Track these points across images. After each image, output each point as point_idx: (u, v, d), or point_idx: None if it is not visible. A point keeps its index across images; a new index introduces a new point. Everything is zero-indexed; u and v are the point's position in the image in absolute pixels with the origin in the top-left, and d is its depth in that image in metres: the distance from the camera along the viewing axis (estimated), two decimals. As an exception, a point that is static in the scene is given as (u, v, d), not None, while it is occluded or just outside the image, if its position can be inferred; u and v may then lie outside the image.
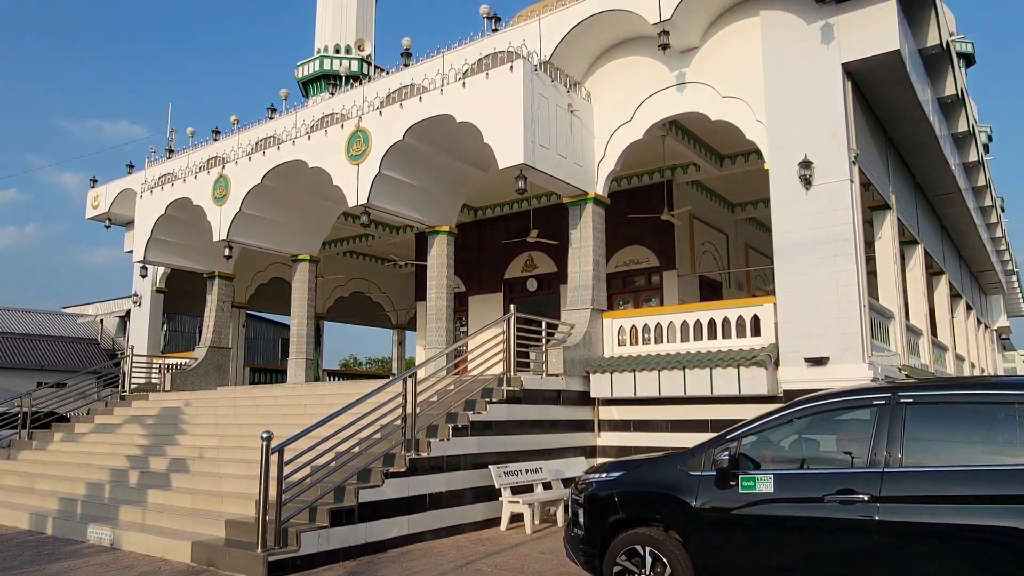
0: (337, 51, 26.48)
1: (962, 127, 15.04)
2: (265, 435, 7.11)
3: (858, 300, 9.79)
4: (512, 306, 11.44)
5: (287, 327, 32.55)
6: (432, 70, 13.84)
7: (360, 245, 24.51)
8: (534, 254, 20.07)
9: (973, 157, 16.86)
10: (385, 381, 9.46)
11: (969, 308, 23.74)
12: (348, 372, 37.90)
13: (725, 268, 20.33)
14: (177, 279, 21.26)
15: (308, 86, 26.80)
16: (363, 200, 12.84)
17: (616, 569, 5.46)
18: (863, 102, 11.48)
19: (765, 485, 4.91)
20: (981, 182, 18.70)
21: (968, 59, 34.58)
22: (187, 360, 18.51)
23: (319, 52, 26.65)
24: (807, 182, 10.28)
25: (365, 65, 26.13)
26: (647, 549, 5.33)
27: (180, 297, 22.84)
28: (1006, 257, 28.01)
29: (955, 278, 20.81)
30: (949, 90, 13.22)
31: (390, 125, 12.66)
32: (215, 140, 18.72)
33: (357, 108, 14.66)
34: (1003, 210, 44.97)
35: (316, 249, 17.48)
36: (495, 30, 13.32)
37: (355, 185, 12.98)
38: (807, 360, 9.88)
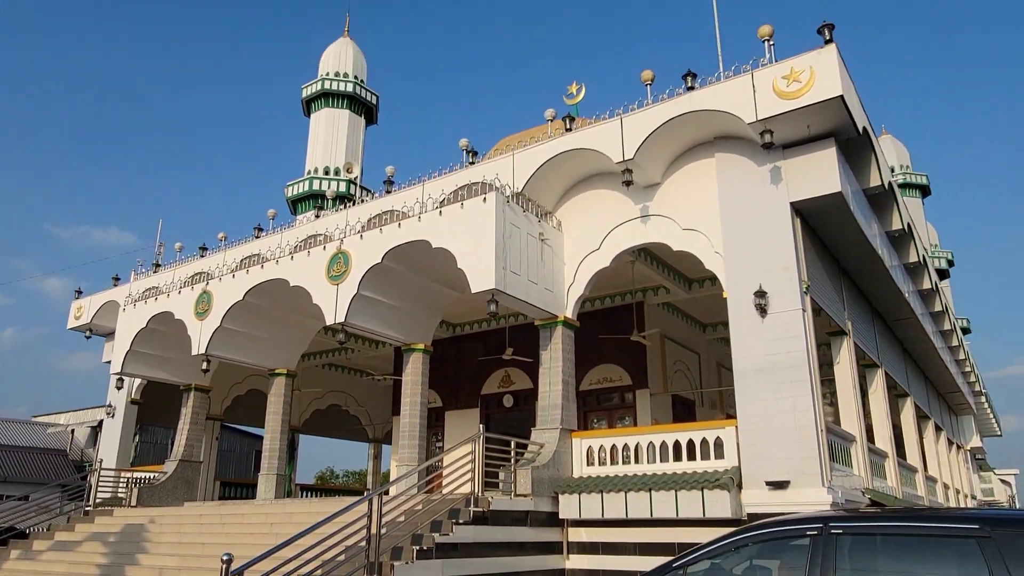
0: (327, 172, 27.78)
1: (912, 258, 15.97)
2: (225, 557, 7.16)
3: (815, 424, 10.16)
4: (481, 426, 11.68)
5: (262, 439, 32.16)
6: (412, 197, 14.66)
7: (339, 358, 24.68)
8: (511, 370, 20.37)
9: (927, 285, 17.75)
10: (353, 500, 9.53)
11: (939, 429, 24.06)
12: (321, 487, 37.04)
13: (698, 387, 20.70)
14: (153, 390, 21.25)
15: (297, 204, 27.90)
16: (341, 319, 13.28)
17: None
18: (814, 235, 12.29)
19: (710, 619, 5.08)
20: (938, 307, 19.57)
21: (924, 190, 36.78)
22: (156, 474, 18.26)
23: (309, 173, 27.93)
24: (762, 311, 10.88)
25: (352, 186, 27.37)
26: None
27: (155, 409, 22.73)
28: (972, 379, 28.67)
29: (921, 400, 21.27)
30: (895, 225, 14.15)
31: (370, 248, 13.30)
32: (202, 256, 19.31)
33: (340, 231, 15.34)
34: (967, 332, 46.32)
35: (294, 363, 17.73)
36: (472, 163, 14.27)
37: (334, 304, 13.45)
38: (768, 484, 10.11)
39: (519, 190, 13.15)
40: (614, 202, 13.08)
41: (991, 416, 37.09)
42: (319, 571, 8.43)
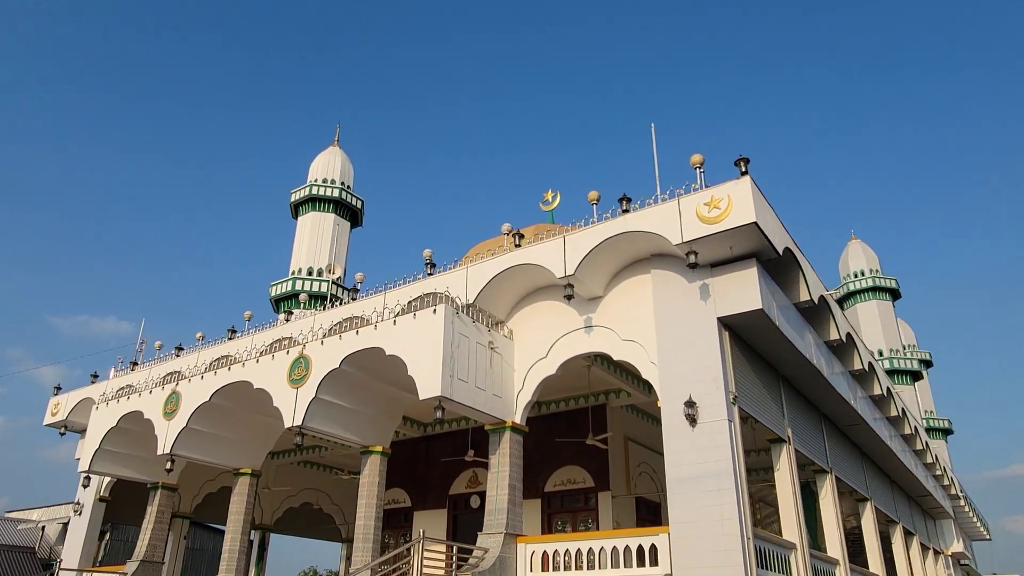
0: (310, 273, 28.81)
1: (857, 365, 16.63)
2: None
3: (740, 532, 10.53)
4: (422, 530, 12.00)
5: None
6: (377, 304, 15.46)
7: (313, 455, 24.87)
8: (478, 471, 20.62)
9: (878, 391, 18.33)
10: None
11: (909, 534, 24.02)
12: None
13: (663, 489, 20.87)
14: (122, 488, 21.39)
15: (280, 303, 28.76)
16: (299, 422, 13.78)
17: None
18: (747, 347, 13.00)
19: None
20: (893, 412, 20.06)
21: (894, 293, 37.87)
22: (117, 575, 18.21)
23: (293, 273, 28.96)
24: (692, 420, 11.45)
25: (334, 287, 28.32)
26: None
27: (125, 506, 22.74)
28: (946, 482, 28.75)
29: (886, 504, 21.41)
30: (833, 335, 14.91)
31: (329, 353, 13.95)
32: (177, 355, 19.93)
33: (311, 334, 16.05)
34: (949, 432, 46.37)
35: (259, 463, 18.03)
36: (430, 274, 15.15)
37: (293, 407, 13.98)
38: (695, 592, 10.39)
39: (471, 301, 13.95)
40: (561, 313, 13.86)
41: (975, 520, 36.77)
42: None
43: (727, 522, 10.63)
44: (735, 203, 11.28)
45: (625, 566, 11.73)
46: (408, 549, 11.47)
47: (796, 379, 14.71)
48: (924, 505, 27.45)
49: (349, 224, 30.64)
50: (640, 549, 11.68)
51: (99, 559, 28.72)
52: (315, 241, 29.22)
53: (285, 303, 28.57)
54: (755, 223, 11.07)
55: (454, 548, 12.20)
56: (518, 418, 13.81)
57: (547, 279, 13.59)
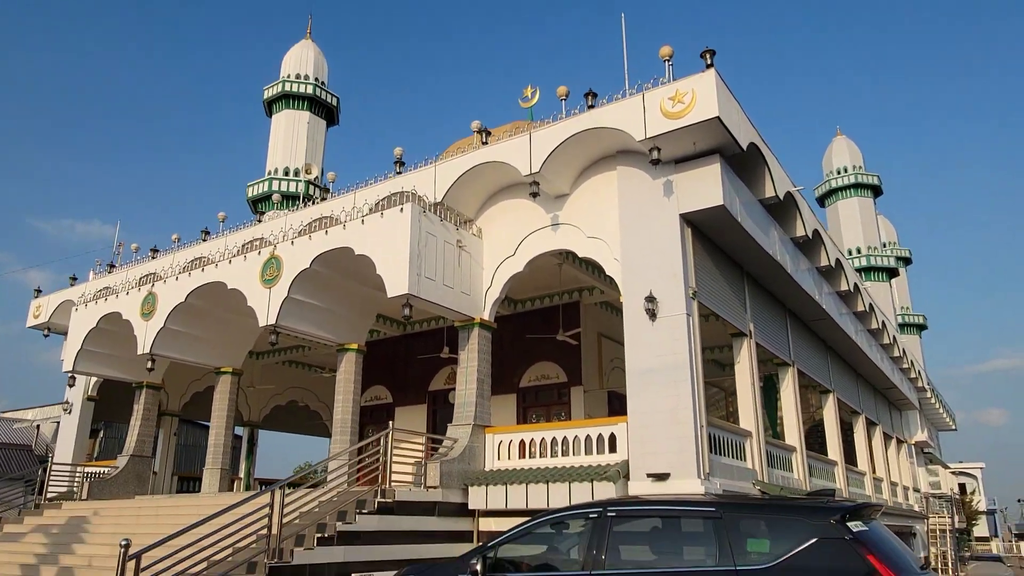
0: (286, 173, 28.39)
1: (824, 262, 16.87)
2: (123, 543, 7.93)
3: (693, 421, 11.01)
4: (391, 422, 12.46)
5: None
6: (348, 204, 15.41)
7: (297, 355, 25.34)
8: (455, 367, 21.14)
9: (845, 287, 18.67)
10: (260, 492, 10.31)
11: (872, 424, 25.07)
12: (275, 480, 37.75)
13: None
14: (110, 388, 21.87)
15: (257, 204, 28.51)
16: (272, 321, 14.02)
17: (401, 665, 6.32)
18: (710, 244, 13.13)
19: (510, 587, 5.91)
20: (861, 307, 20.50)
21: (876, 190, 37.85)
22: (108, 469, 18.94)
23: (269, 173, 28.55)
24: (653, 315, 11.71)
25: (311, 187, 28.02)
26: (424, 646, 6.22)
27: (114, 405, 23.33)
28: (913, 375, 29.73)
29: (849, 396, 22.22)
30: (799, 232, 15.03)
31: (300, 253, 14.03)
32: (153, 258, 19.97)
33: (282, 234, 16.06)
34: (923, 328, 47.45)
35: (239, 362, 18.41)
36: (399, 172, 15.02)
37: (266, 307, 14.19)
38: (649, 476, 10.96)
39: (440, 199, 13.92)
40: (528, 211, 13.88)
41: (941, 411, 38.28)
42: (229, 554, 9.25)
43: (682, 411, 11.08)
44: (699, 97, 11.12)
45: (586, 453, 12.30)
46: (379, 439, 11.96)
47: (760, 275, 14.94)
48: (890, 397, 28.47)
49: (325, 122, 29.97)
50: (600, 438, 12.23)
51: (94, 455, 29.79)
52: (290, 140, 28.67)
53: (263, 204, 28.36)
54: (718, 118, 10.96)
55: (424, 438, 12.70)
56: (486, 315, 14.08)
57: (514, 177, 13.52)
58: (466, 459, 12.93)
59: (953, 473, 70.70)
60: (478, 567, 6.07)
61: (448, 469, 12.43)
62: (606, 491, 11.11)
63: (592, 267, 17.16)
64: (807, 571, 4.80)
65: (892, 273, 37.26)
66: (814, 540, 4.90)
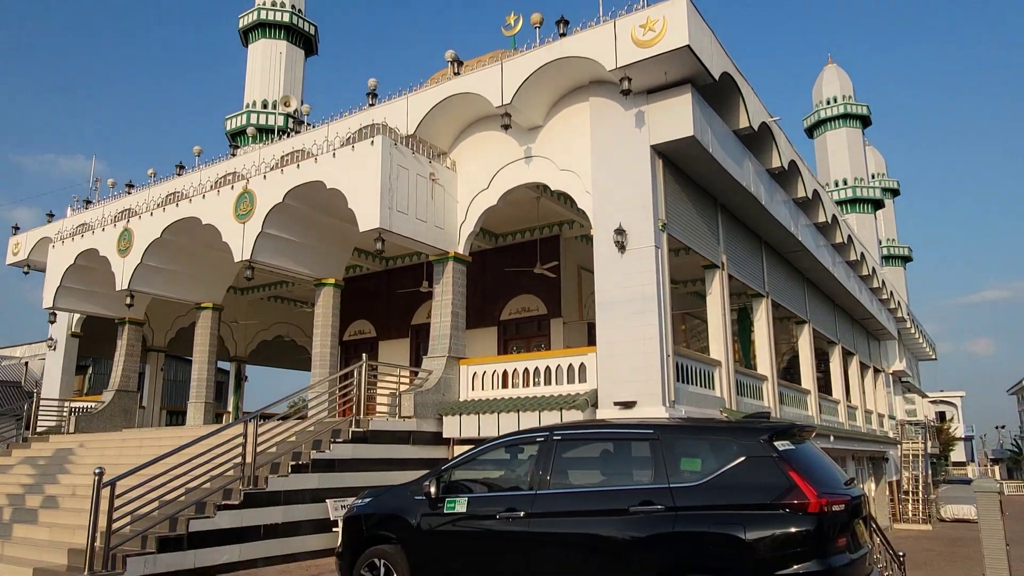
0: (264, 106, 27.86)
1: (801, 193, 16.87)
2: (97, 471, 8.16)
3: (660, 351, 11.22)
4: (364, 355, 12.66)
5: (220, 370, 33.17)
6: (320, 137, 15.20)
7: (282, 290, 25.43)
8: (438, 302, 21.32)
9: (822, 218, 18.72)
10: (234, 423, 10.55)
11: (849, 353, 25.54)
12: (270, 414, 38.47)
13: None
14: (93, 324, 22.00)
15: (236, 137, 28.08)
16: (247, 256, 14.04)
17: (360, 578, 6.63)
18: (683, 175, 13.09)
19: (461, 506, 6.16)
20: (839, 239, 20.61)
21: (864, 120, 37.48)
22: (94, 404, 19.24)
23: (247, 106, 28.00)
24: (622, 247, 11.78)
25: (291, 120, 27.54)
26: (382, 562, 6.51)
27: (99, 341, 23.49)
28: (892, 305, 30.11)
29: (826, 327, 22.56)
30: (775, 163, 14.98)
31: (273, 188, 13.95)
32: (129, 193, 19.79)
33: (255, 168, 15.91)
34: (908, 260, 47.77)
35: (220, 297, 18.50)
36: (372, 104, 14.79)
37: (241, 242, 14.18)
38: (616, 404, 11.24)
39: (412, 132, 13.77)
40: (502, 143, 13.75)
41: (921, 341, 38.93)
42: (205, 482, 9.56)
43: (648, 341, 11.27)
44: (669, 25, 10.90)
45: (556, 383, 12.57)
46: (353, 372, 12.17)
47: (734, 207, 14.95)
48: (868, 327, 28.88)
49: (303, 52, 29.24)
50: (570, 368, 12.47)
51: (84, 390, 30.17)
52: (267, 71, 28.01)
53: (242, 137, 27.94)
54: (688, 47, 10.77)
55: (398, 370, 12.94)
56: (461, 249, 14.12)
57: (487, 109, 13.34)
58: (441, 390, 13.19)
59: (933, 402, 72.47)
60: (432, 489, 6.31)
61: (422, 400, 12.70)
62: (574, 419, 11.39)
63: (569, 200, 17.14)
64: (734, 487, 5.03)
65: (878, 204, 37.25)
66: (742, 459, 5.11)
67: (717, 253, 14.27)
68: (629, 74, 11.40)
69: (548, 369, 12.73)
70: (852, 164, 36.67)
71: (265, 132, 26.56)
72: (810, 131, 38.68)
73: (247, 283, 23.62)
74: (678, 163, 12.74)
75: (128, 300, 16.87)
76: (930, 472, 43.39)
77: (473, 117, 14.11)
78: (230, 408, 27.29)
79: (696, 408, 12.15)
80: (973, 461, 77.71)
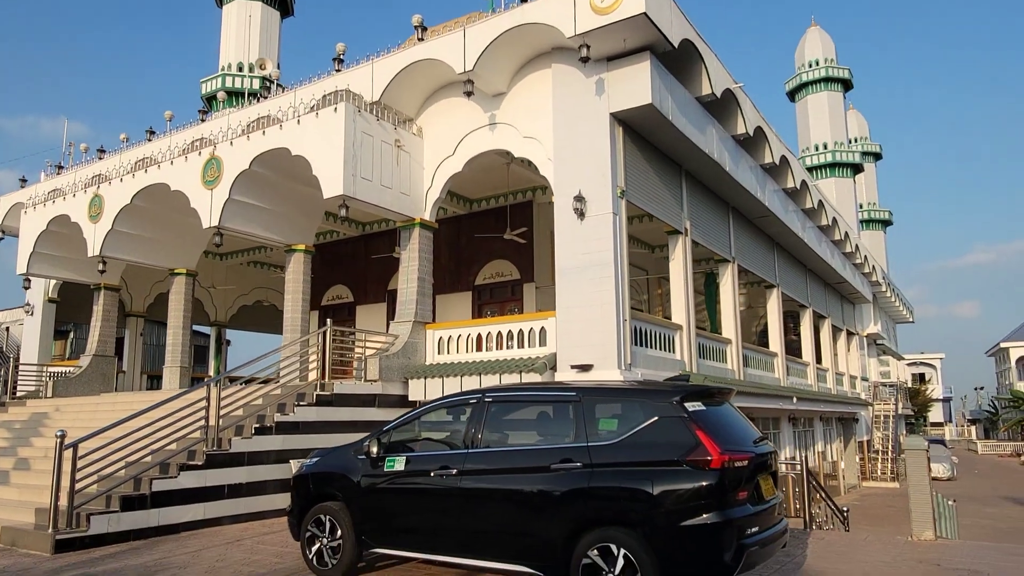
0: (240, 69, 27.60)
1: (768, 159, 17.05)
2: (59, 434, 8.42)
3: (616, 316, 11.50)
4: (328, 320, 12.89)
5: (201, 334, 33.34)
6: (287, 103, 15.22)
7: (260, 255, 25.51)
8: (414, 267, 21.51)
9: (791, 184, 18.92)
10: (198, 386, 10.80)
11: (821, 317, 25.98)
12: (252, 378, 38.81)
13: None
14: (73, 290, 22.09)
15: (212, 101, 27.85)
16: (215, 222, 14.14)
17: (307, 535, 6.96)
18: (645, 143, 13.22)
19: (399, 465, 6.46)
20: (809, 204, 20.85)
21: (846, 84, 37.46)
22: (72, 369, 19.46)
23: (223, 69, 27.74)
24: (581, 214, 11.98)
25: (267, 83, 27.30)
26: (327, 518, 6.83)
27: (76, 307, 23.58)
28: (867, 269, 30.52)
29: (797, 291, 22.92)
30: (740, 129, 15.13)
31: (239, 154, 14.00)
32: (100, 158, 19.74)
33: (222, 134, 15.92)
34: (888, 224, 48.09)
35: (193, 263, 18.61)
36: (338, 70, 14.78)
37: (209, 208, 14.27)
38: (573, 367, 11.55)
39: (377, 98, 13.80)
40: (467, 110, 13.82)
41: (898, 304, 39.50)
42: (171, 443, 9.86)
43: (605, 306, 11.55)
44: (627, -8, 10.94)
45: (519, 347, 12.86)
46: (318, 336, 12.43)
47: (699, 173, 15.13)
48: (842, 291, 29.31)
49: (279, 14, 28.88)
50: (531, 332, 12.76)
51: (66, 355, 30.35)
52: (242, 33, 27.66)
53: (217, 100, 27.75)
54: (644, 14, 10.84)
55: (363, 335, 13.20)
56: (427, 215, 14.27)
57: (451, 75, 13.36)
58: (407, 354, 13.47)
59: (912, 364, 73.60)
60: (373, 449, 6.61)
61: (388, 364, 12.98)
62: (532, 380, 11.70)
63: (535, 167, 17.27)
64: (645, 445, 5.33)
65: (857, 169, 37.42)
66: (655, 419, 5.40)
67: (680, 219, 14.49)
68: (588, 41, 11.46)
69: (511, 333, 13.02)
70: (832, 128, 36.74)
71: (240, 95, 26.40)
72: (792, 94, 38.64)
73: (225, 248, 23.72)
74: (639, 130, 12.87)
75: (100, 266, 16.98)
76: (904, 432, 44.39)
77: (438, 83, 14.14)
78: (211, 372, 27.56)
79: (654, 371, 12.49)
80: (951, 422, 79.38)
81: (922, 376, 77.11)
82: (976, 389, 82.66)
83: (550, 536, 5.51)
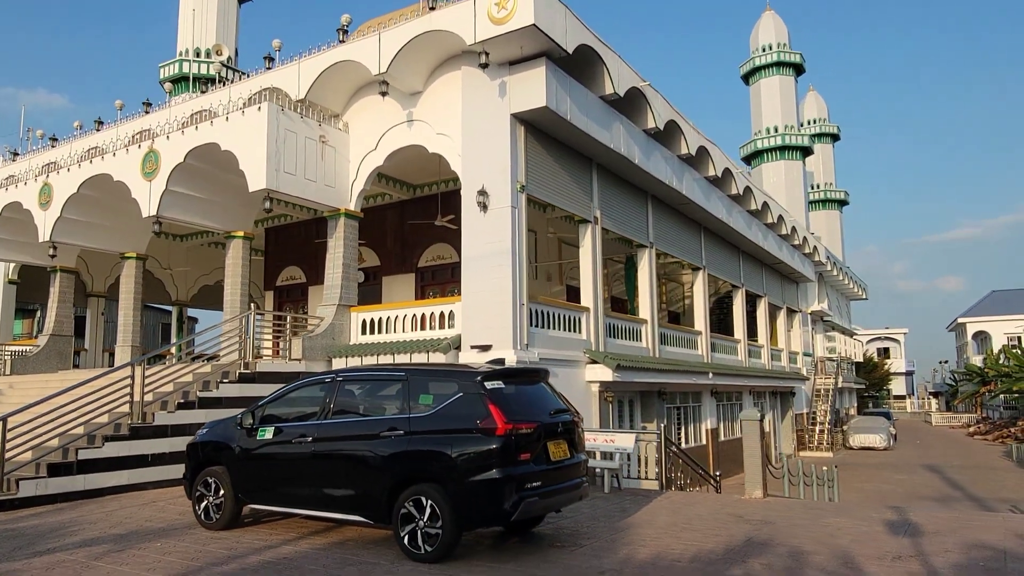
0: (197, 54, 28.24)
1: (684, 150, 18.13)
2: (-11, 409, 9.49)
3: (513, 301, 12.63)
4: (253, 304, 13.95)
5: (169, 313, 34.24)
6: (225, 98, 16.13)
7: (219, 237, 26.36)
8: (363, 249, 22.52)
9: (712, 172, 20.03)
10: (125, 364, 11.87)
11: (757, 296, 27.27)
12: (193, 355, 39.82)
13: (532, 262, 23.16)
14: (34, 271, 22.95)
15: (173, 85, 28.50)
16: (154, 212, 15.11)
17: (197, 494, 8.10)
18: (550, 140, 14.24)
19: (269, 434, 7.60)
20: (735, 191, 21.99)
21: (798, 68, 38.45)
22: (30, 347, 20.43)
23: (180, 54, 28.36)
24: (484, 207, 13.05)
25: (224, 69, 27.96)
26: (212, 480, 7.97)
27: (42, 288, 24.47)
28: (808, 250, 31.81)
29: (728, 272, 24.15)
30: (650, 124, 16.19)
31: (175, 148, 14.92)
32: (52, 146, 20.54)
33: (159, 128, 16.78)
34: (845, 204, 49.35)
35: (143, 247, 19.54)
36: (269, 68, 15.67)
37: (148, 198, 15.22)
38: (474, 347, 12.70)
39: (303, 96, 14.74)
40: (388, 107, 14.78)
41: (847, 283, 40.95)
42: (102, 416, 10.95)
43: (503, 292, 12.67)
44: (520, 5, 11.93)
45: (430, 328, 14.01)
46: (242, 319, 13.51)
47: (611, 166, 16.20)
48: (781, 271, 30.57)
49: None
50: (441, 315, 13.89)
51: (34, 333, 31.24)
52: (200, 18, 28.27)
53: (177, 86, 28.41)
54: (534, 25, 11.83)
55: (287, 318, 14.28)
56: (352, 205, 15.30)
57: (371, 75, 14.31)
58: (331, 335, 14.58)
59: (876, 339, 75.43)
60: (248, 421, 7.74)
61: (311, 344, 14.09)
62: (438, 360, 12.86)
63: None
64: (451, 415, 6.48)
65: (807, 151, 38.52)
66: (461, 395, 6.55)
67: (590, 209, 15.59)
68: (488, 48, 12.46)
69: (423, 316, 14.15)
70: (784, 111, 37.81)
71: (199, 81, 27.08)
72: (746, 78, 39.61)
73: (184, 231, 24.60)
74: (544, 129, 13.90)
75: (51, 251, 17.89)
76: (855, 405, 46.14)
77: (360, 83, 15.08)
78: (174, 350, 28.52)
79: (555, 350, 13.67)
80: (913, 394, 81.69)
81: (886, 351, 79.23)
82: (941, 362, 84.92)
83: (378, 492, 6.67)
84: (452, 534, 6.31)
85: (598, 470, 11.06)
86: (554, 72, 13.00)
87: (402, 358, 13.39)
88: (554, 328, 14.01)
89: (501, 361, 7.81)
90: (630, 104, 15.74)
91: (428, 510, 6.36)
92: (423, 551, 6.38)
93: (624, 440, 10.78)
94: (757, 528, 7.81)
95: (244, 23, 32.78)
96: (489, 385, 6.54)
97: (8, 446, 9.71)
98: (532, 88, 12.82)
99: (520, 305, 12.77)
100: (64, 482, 10.11)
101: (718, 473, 13.91)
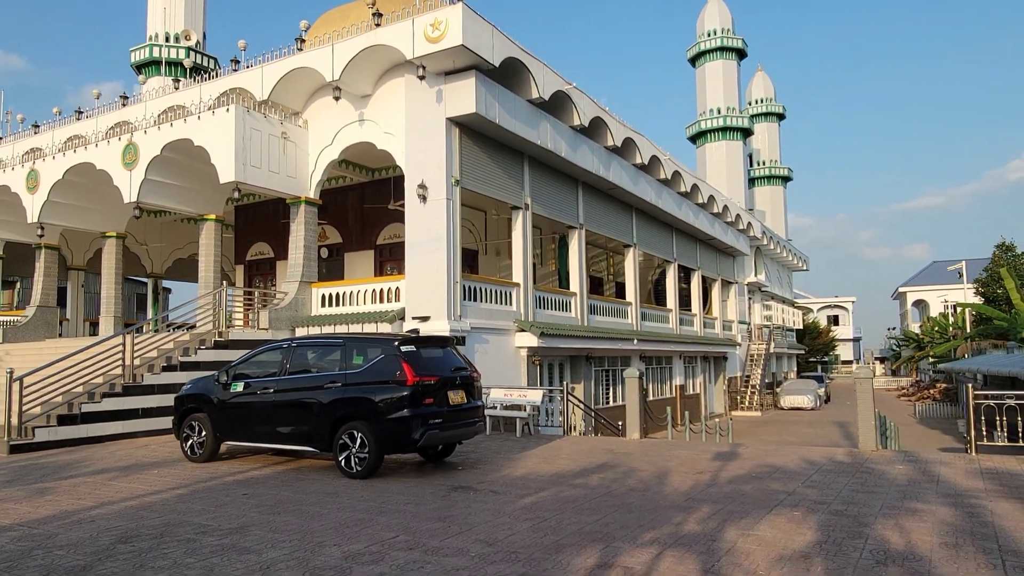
0: (167, 39, 29.71)
1: (610, 142, 20.42)
2: (8, 371, 11.62)
3: (447, 279, 14.94)
4: (225, 280, 16.08)
5: (145, 284, 35.95)
6: (196, 96, 18.01)
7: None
8: (326, 227, 24.55)
9: (639, 160, 22.36)
10: (117, 334, 13.99)
11: (689, 270, 29.86)
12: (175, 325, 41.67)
13: (482, 240, 25.43)
14: (16, 247, 24.68)
15: (141, 69, 30.00)
16: (134, 198, 17.07)
17: (184, 435, 10.37)
18: (483, 139, 16.43)
19: (240, 387, 9.87)
20: (663, 175, 24.37)
21: (740, 53, 40.71)
22: (20, 318, 22.32)
23: (150, 39, 29.83)
24: (424, 199, 15.27)
25: (194, 54, 29.50)
26: (196, 424, 10.25)
27: (21, 261, 26.25)
28: (741, 226, 34.41)
29: (660, 248, 26.62)
30: (576, 122, 18.43)
31: (152, 142, 16.85)
32: (35, 133, 22.20)
33: (141, 121, 18.64)
34: (788, 180, 52.04)
35: (123, 226, 21.43)
36: (235, 70, 17.59)
37: (128, 186, 17.16)
38: (415, 318, 15.02)
39: (266, 97, 16.72)
40: (342, 107, 16.83)
41: (786, 255, 43.80)
42: (97, 376, 13.09)
43: (439, 271, 14.97)
44: (450, 26, 14.03)
45: (380, 302, 16.28)
46: (215, 294, 15.66)
47: (541, 158, 18.45)
48: (716, 246, 33.16)
49: (204, -16, 30.80)
50: (389, 291, 16.16)
51: (14, 304, 32.92)
52: (169, 3, 29.66)
53: (146, 69, 29.90)
54: (463, 45, 13.95)
55: (255, 293, 16.44)
56: (311, 193, 17.41)
57: (325, 80, 16.33)
58: (294, 307, 16.79)
59: (826, 307, 79.07)
60: (223, 378, 10.01)
61: (277, 315, 16.30)
62: (384, 329, 15.18)
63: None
64: (375, 371, 8.80)
65: (747, 132, 41.03)
66: (382, 356, 8.87)
67: (521, 197, 17.86)
68: (424, 63, 14.57)
69: (373, 291, 16.42)
70: (726, 94, 40.18)
71: (170, 65, 28.65)
72: (693, 61, 41.83)
73: (158, 208, 26.39)
74: (477, 129, 16.08)
75: (39, 231, 19.75)
76: (794, 370, 49.40)
77: (317, 85, 17.08)
78: (149, 318, 30.44)
79: (487, 320, 16.04)
80: (860, 360, 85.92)
81: (836, 319, 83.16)
82: (889, 329, 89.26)
83: (323, 428, 9.00)
84: (376, 457, 8.68)
85: (516, 418, 13.52)
86: (483, 82, 15.15)
87: (355, 327, 15.67)
88: (487, 301, 16.36)
89: (416, 331, 10.14)
90: (558, 104, 17.94)
91: (359, 440, 8.72)
92: (355, 470, 8.75)
93: (534, 395, 13.23)
94: (616, 457, 10.31)
95: (211, 8, 34.24)
96: (404, 349, 8.88)
97: (25, 401, 11.85)
98: (464, 96, 14.97)
99: (455, 282, 15.09)
100: (71, 430, 12.30)
101: (620, 423, 16.40)
